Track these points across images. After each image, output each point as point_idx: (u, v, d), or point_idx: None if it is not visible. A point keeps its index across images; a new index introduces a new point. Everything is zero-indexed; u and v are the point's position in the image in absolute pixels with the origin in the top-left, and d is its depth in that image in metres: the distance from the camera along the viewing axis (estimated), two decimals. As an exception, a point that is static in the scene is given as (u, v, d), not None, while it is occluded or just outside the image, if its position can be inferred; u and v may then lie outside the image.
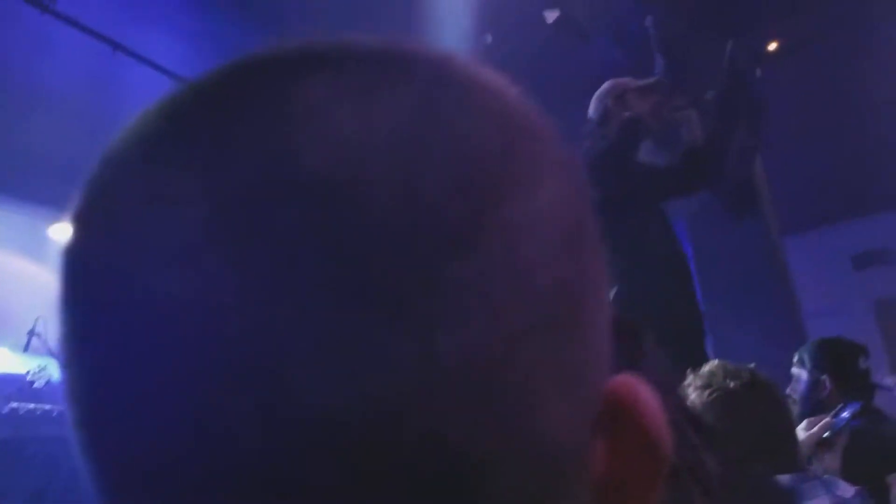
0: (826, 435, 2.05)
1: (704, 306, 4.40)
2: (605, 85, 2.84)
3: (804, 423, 2.09)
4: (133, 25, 4.13)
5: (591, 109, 2.84)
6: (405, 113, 0.22)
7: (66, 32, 3.99)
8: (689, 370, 1.57)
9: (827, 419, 2.03)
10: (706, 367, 1.54)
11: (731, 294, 4.20)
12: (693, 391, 1.48)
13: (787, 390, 2.39)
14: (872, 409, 2.26)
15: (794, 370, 2.39)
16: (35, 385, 3.89)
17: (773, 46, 4.55)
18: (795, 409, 2.33)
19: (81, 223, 0.22)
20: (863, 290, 6.27)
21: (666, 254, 2.58)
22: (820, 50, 4.53)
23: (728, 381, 1.46)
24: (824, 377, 2.26)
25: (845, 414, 2.10)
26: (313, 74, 0.23)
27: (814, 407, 2.22)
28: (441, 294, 0.19)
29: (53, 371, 3.93)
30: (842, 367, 2.26)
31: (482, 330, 0.19)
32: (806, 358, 2.34)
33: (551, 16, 3.76)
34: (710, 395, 1.45)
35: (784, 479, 1.42)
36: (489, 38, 4.16)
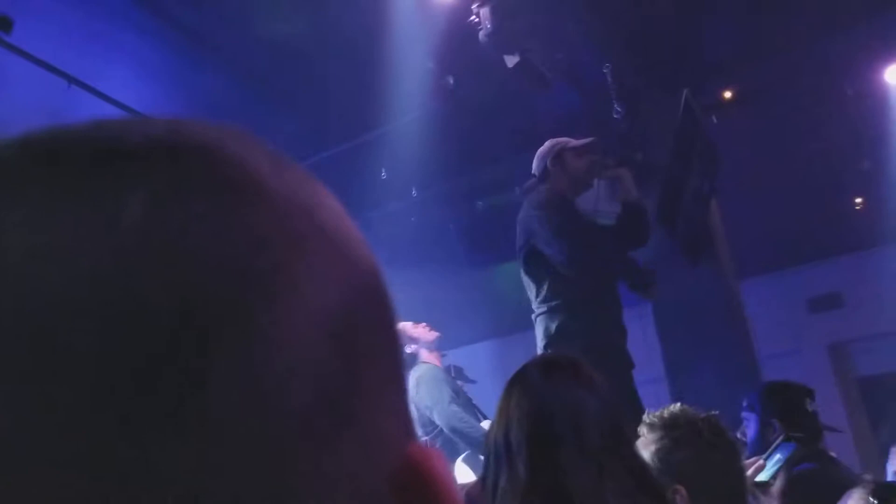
0: (763, 477, 2.05)
1: (662, 349, 4.42)
2: (546, 145, 3.00)
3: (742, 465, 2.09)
4: (89, 59, 4.07)
5: (534, 166, 3.01)
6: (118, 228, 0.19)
7: (21, 65, 3.92)
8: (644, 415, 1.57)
9: (760, 461, 2.03)
10: (668, 410, 1.53)
11: (689, 337, 4.22)
12: (656, 431, 1.47)
13: (738, 433, 2.40)
14: (819, 451, 2.28)
15: (743, 414, 2.41)
16: None
17: (728, 95, 4.69)
18: (744, 451, 2.34)
19: None
20: (818, 333, 6.39)
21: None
22: (775, 99, 4.68)
23: (697, 423, 1.46)
24: (773, 420, 2.28)
25: (779, 455, 2.10)
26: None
27: (763, 450, 2.23)
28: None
29: None
30: (789, 410, 2.28)
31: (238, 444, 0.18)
32: (755, 402, 2.37)
33: (511, 60, 3.81)
34: (680, 435, 1.45)
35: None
36: (451, 81, 4.20)
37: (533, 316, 2.78)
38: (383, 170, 4.75)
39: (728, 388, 3.61)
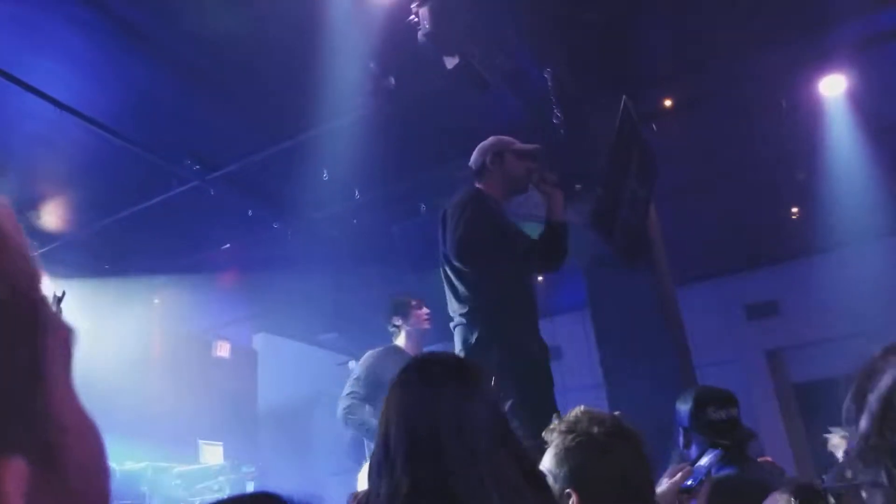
0: (688, 483, 2.05)
1: (600, 354, 4.44)
2: (489, 140, 2.93)
3: (668, 471, 2.08)
4: (16, 50, 3.91)
5: (472, 159, 2.92)
6: None
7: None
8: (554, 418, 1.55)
9: (687, 467, 2.02)
10: (571, 413, 1.51)
11: (625, 342, 4.25)
12: (556, 436, 1.45)
13: (677, 452, 2.40)
14: (742, 456, 2.28)
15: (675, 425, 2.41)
16: None
17: (668, 103, 4.75)
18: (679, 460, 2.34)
19: None
20: (755, 340, 6.52)
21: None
22: (713, 108, 4.76)
23: (592, 427, 1.44)
24: (680, 428, 2.28)
25: (704, 461, 2.10)
26: None
27: (682, 458, 2.23)
28: None
29: None
30: (693, 421, 2.27)
31: None
32: (676, 414, 2.37)
33: (451, 62, 3.79)
34: (573, 440, 1.42)
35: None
36: (392, 81, 4.16)
37: (452, 325, 2.70)
38: (325, 171, 4.67)
39: (663, 394, 3.62)
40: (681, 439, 2.34)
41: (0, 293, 0.28)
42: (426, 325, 3.64)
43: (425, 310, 3.63)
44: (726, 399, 2.26)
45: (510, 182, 2.85)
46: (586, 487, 1.35)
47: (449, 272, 2.72)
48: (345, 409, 3.30)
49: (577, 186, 2.98)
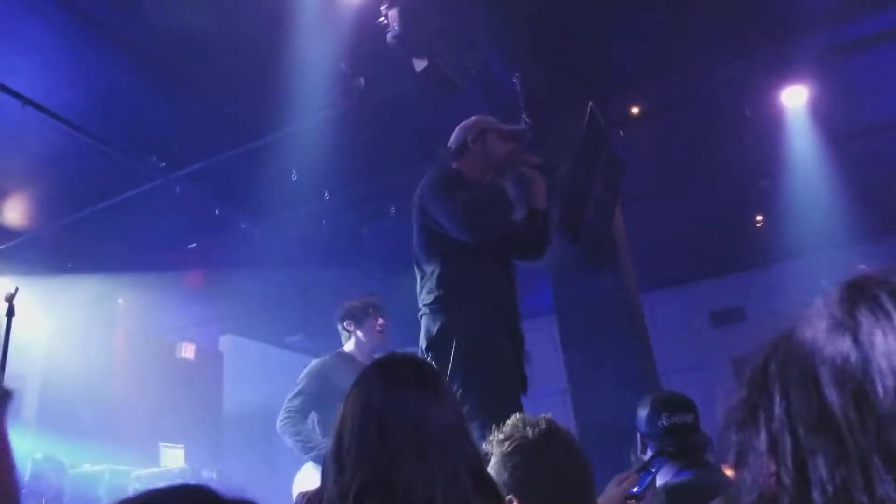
0: (634, 490, 2.06)
1: (565, 359, 4.45)
2: (471, 119, 2.81)
3: (614, 479, 2.09)
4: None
5: (452, 138, 2.81)
6: None
7: None
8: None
9: (633, 473, 2.03)
10: (509, 421, 1.52)
11: (591, 347, 4.27)
12: (496, 446, 1.46)
13: (636, 456, 2.41)
14: (700, 462, 2.28)
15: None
16: None
17: (635, 110, 4.81)
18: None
19: None
20: (720, 347, 6.59)
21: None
22: (679, 116, 4.84)
23: (527, 430, 1.45)
24: (637, 434, 2.29)
25: (652, 469, 2.11)
26: None
27: (638, 462, 2.23)
28: None
29: None
30: (646, 427, 2.28)
31: None
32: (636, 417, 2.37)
33: (420, 64, 3.79)
34: (509, 445, 1.44)
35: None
36: (362, 82, 4.15)
37: (419, 314, 2.57)
38: (294, 171, 4.64)
39: (627, 399, 3.64)
40: (638, 444, 2.35)
41: None
42: (378, 338, 3.38)
43: (381, 321, 3.39)
44: (681, 404, 2.24)
45: (490, 163, 2.71)
46: (526, 490, 1.37)
47: (418, 261, 2.62)
48: (282, 423, 3.13)
49: (562, 170, 2.90)
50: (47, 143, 4.46)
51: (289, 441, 3.15)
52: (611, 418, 3.78)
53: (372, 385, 1.17)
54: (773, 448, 0.42)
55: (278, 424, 3.14)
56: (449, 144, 2.82)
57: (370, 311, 3.36)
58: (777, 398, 0.44)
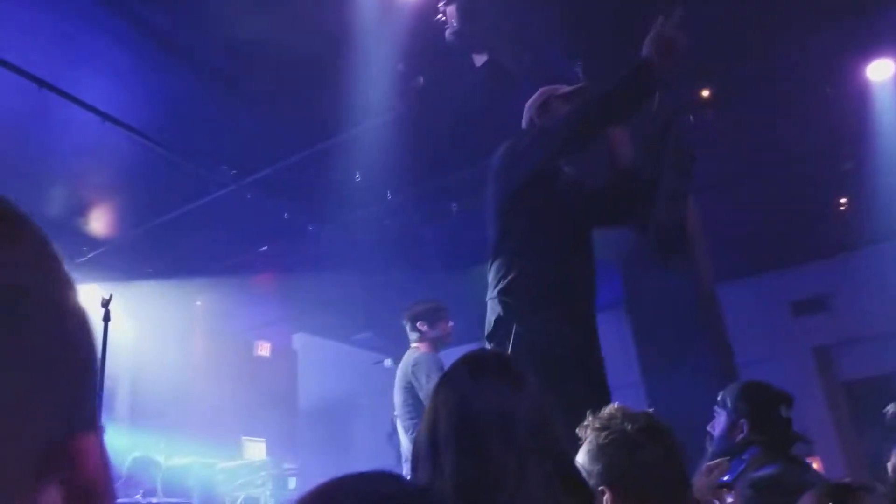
0: (725, 478, 2.02)
1: (637, 353, 4.36)
2: (533, 96, 2.74)
3: (703, 468, 2.05)
4: (59, 62, 4.06)
5: (523, 120, 2.75)
6: None
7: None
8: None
9: (724, 462, 1.99)
10: (606, 410, 1.51)
11: (663, 340, 4.16)
12: (591, 433, 1.46)
13: (708, 427, 2.35)
14: (785, 455, 2.22)
15: (716, 408, 2.36)
16: None
17: (705, 94, 4.61)
18: (710, 446, 2.29)
19: None
20: (802, 337, 6.29)
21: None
22: (754, 97, 4.61)
23: (625, 424, 1.44)
24: (742, 420, 2.23)
25: (744, 457, 2.07)
26: None
27: (728, 448, 2.18)
28: None
29: None
30: (760, 413, 2.23)
31: None
32: (728, 399, 2.32)
33: (479, 60, 3.77)
34: (606, 437, 1.43)
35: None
36: (421, 81, 4.15)
37: (487, 298, 2.43)
38: (357, 173, 4.71)
39: (704, 393, 3.54)
40: (721, 427, 2.27)
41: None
42: (448, 340, 3.55)
43: (451, 323, 3.57)
44: (792, 400, 2.23)
45: None
46: (620, 484, 1.36)
47: (491, 246, 2.47)
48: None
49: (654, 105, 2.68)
50: (126, 156, 4.70)
51: None
52: (685, 412, 3.66)
53: (462, 382, 1.19)
54: None
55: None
56: (523, 125, 2.74)
57: (442, 313, 3.47)
58: None
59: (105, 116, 4.29)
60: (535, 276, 2.34)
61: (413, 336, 3.56)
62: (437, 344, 3.53)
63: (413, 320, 3.56)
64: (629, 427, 1.42)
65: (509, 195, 2.43)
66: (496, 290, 2.38)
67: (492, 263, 2.45)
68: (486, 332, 2.40)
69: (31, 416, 0.28)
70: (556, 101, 2.63)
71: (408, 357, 3.49)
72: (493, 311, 2.37)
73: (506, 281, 2.36)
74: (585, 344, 2.43)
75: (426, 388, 3.27)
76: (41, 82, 4.04)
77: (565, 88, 2.72)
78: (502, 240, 2.43)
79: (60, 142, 4.52)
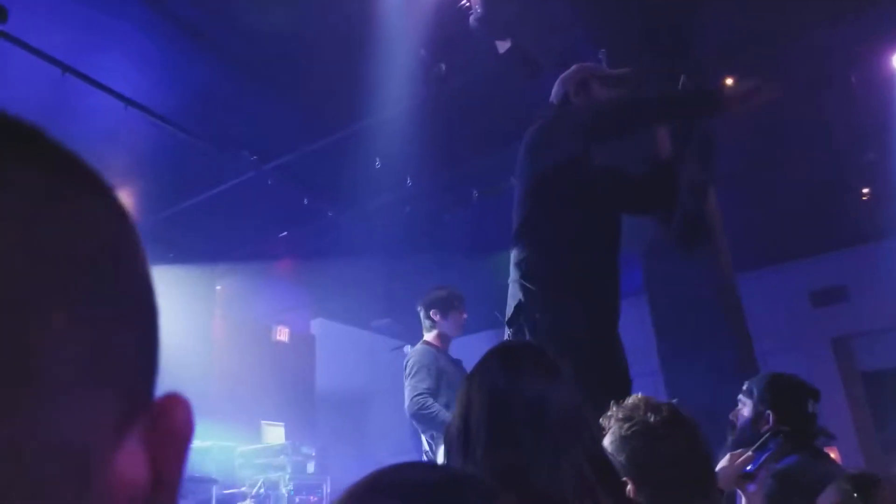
0: (749, 469, 2.04)
1: (657, 342, 4.36)
2: (571, 68, 2.62)
3: (727, 456, 2.06)
4: (83, 48, 4.08)
5: (553, 93, 2.63)
6: None
7: (15, 53, 3.95)
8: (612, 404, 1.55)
9: (749, 452, 2.00)
10: (629, 401, 1.52)
11: (683, 330, 4.16)
12: (614, 423, 1.47)
13: (730, 416, 2.36)
14: (813, 449, 2.23)
15: (741, 397, 2.36)
16: None
17: (729, 82, 4.58)
18: (731, 435, 2.30)
19: None
20: (820, 328, 6.27)
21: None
22: (782, 86, 4.56)
23: (649, 415, 1.45)
24: (768, 412, 2.23)
25: (769, 448, 2.09)
26: None
27: (752, 437, 2.19)
28: None
29: None
30: (788, 405, 2.23)
31: None
32: (754, 389, 2.32)
33: (503, 46, 3.76)
34: (629, 428, 1.44)
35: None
36: (443, 67, 4.15)
37: (509, 281, 2.39)
38: (377, 159, 4.72)
39: (724, 384, 3.55)
40: (747, 416, 2.28)
41: None
42: (460, 331, 3.47)
43: (465, 314, 3.47)
44: (819, 395, 2.25)
45: None
46: (643, 476, 1.37)
47: (515, 228, 2.41)
48: (417, 406, 3.16)
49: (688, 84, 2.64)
50: (148, 142, 4.73)
51: (427, 423, 3.13)
52: (705, 401, 3.67)
53: (496, 371, 1.20)
54: None
55: (413, 409, 3.17)
56: (551, 99, 2.62)
57: (456, 303, 3.40)
58: None
59: (128, 102, 4.33)
60: (558, 262, 2.29)
61: (426, 324, 3.48)
62: (446, 336, 3.43)
63: (427, 307, 3.47)
64: (652, 418, 1.42)
65: (540, 177, 2.36)
66: (518, 275, 2.32)
67: (515, 246, 2.39)
68: (505, 317, 2.35)
69: (121, 365, 0.28)
70: (596, 83, 2.52)
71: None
72: (513, 296, 2.32)
73: (528, 265, 2.30)
74: (607, 332, 2.40)
75: (406, 382, 3.27)
76: (65, 67, 4.07)
77: (605, 69, 2.67)
78: (527, 222, 2.36)
79: (83, 127, 4.55)
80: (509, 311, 2.33)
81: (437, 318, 3.42)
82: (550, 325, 2.22)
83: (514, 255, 2.39)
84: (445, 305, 3.42)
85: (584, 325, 2.24)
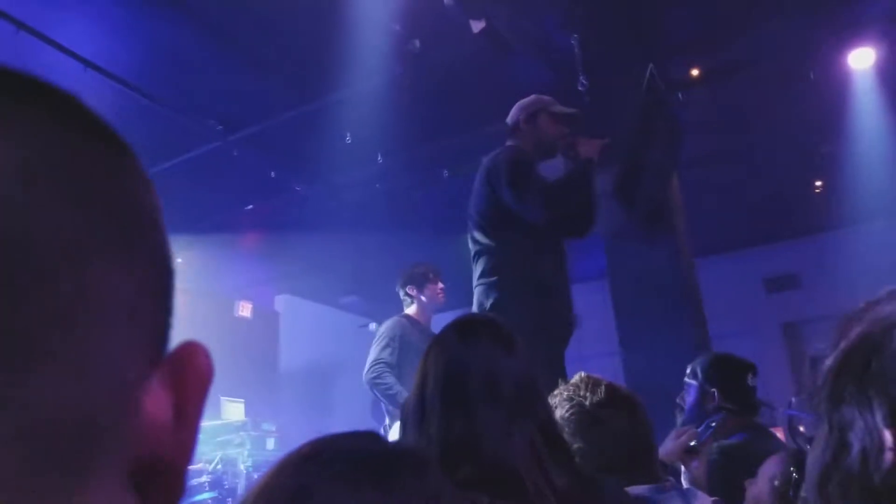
0: (692, 444, 2.11)
1: (617, 323, 4.47)
2: (529, 98, 2.91)
3: (672, 433, 2.14)
4: (40, 4, 3.91)
5: (510, 115, 2.94)
6: None
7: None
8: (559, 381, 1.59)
9: (692, 430, 2.08)
10: (573, 379, 1.56)
11: (643, 311, 4.27)
12: (559, 403, 1.50)
13: (678, 399, 2.46)
14: (752, 423, 2.33)
15: (686, 380, 2.46)
16: None
17: (695, 73, 4.69)
18: (680, 417, 2.40)
19: None
20: (773, 313, 6.51)
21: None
22: (740, 79, 4.70)
23: (588, 394, 1.48)
24: (713, 390, 2.33)
25: (712, 424, 2.17)
26: None
27: (700, 417, 2.29)
28: None
29: None
30: (729, 380, 2.33)
31: None
32: (698, 370, 2.41)
33: (477, 26, 3.77)
34: (569, 409, 1.48)
35: (639, 489, 1.42)
36: (417, 44, 4.13)
37: (474, 286, 2.70)
38: (348, 134, 4.68)
39: (680, 364, 3.66)
40: (693, 397, 2.38)
41: None
42: (440, 300, 3.61)
43: (440, 285, 3.61)
44: (757, 369, 2.35)
45: (540, 144, 2.84)
46: (585, 455, 1.40)
47: (477, 229, 2.72)
48: (373, 374, 3.30)
49: (606, 140, 2.91)
50: (109, 107, 4.45)
51: (380, 393, 3.30)
52: (661, 382, 3.79)
53: (453, 343, 1.21)
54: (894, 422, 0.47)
55: (368, 376, 3.28)
56: (507, 120, 2.93)
57: (431, 275, 3.51)
58: None
59: (88, 63, 4.16)
60: (520, 261, 2.60)
61: (405, 302, 3.61)
62: (427, 308, 3.57)
63: (403, 285, 3.61)
64: (592, 398, 1.46)
65: (499, 204, 2.66)
66: (483, 281, 2.62)
67: (478, 249, 2.70)
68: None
69: (151, 315, 0.30)
70: (545, 117, 2.84)
71: None
72: (486, 294, 2.59)
73: (495, 265, 2.60)
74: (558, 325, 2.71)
75: (371, 349, 3.42)
76: (19, 24, 3.88)
77: (558, 107, 2.90)
78: (489, 231, 2.68)
79: (36, 89, 4.38)
80: (480, 310, 2.59)
81: (413, 293, 3.55)
82: (525, 318, 2.44)
83: (480, 260, 2.69)
84: (420, 279, 3.55)
85: (545, 326, 2.57)
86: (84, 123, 0.30)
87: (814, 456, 0.55)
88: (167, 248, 0.33)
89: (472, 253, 2.75)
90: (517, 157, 2.72)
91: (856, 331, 0.53)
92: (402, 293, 3.61)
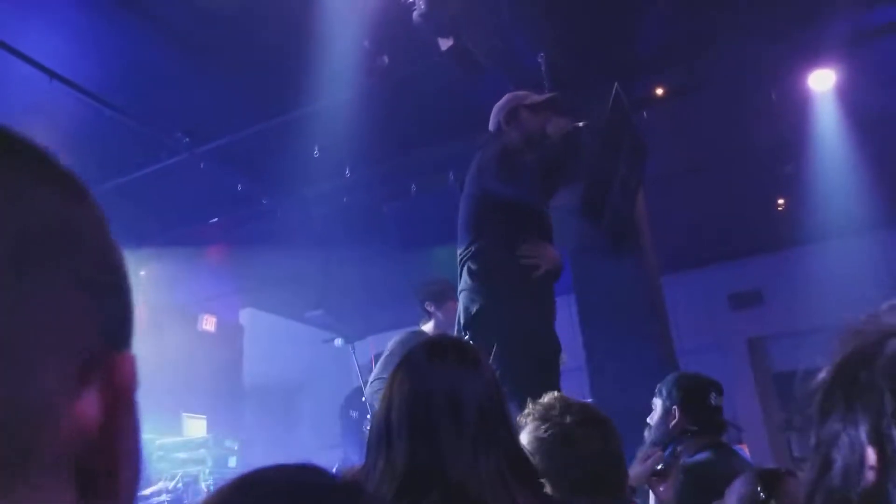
0: (659, 467, 2.11)
1: (584, 338, 4.49)
2: (503, 98, 2.85)
3: (639, 455, 2.14)
4: (8, 16, 3.84)
5: (490, 122, 2.87)
6: None
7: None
8: (530, 400, 1.57)
9: (658, 452, 2.08)
10: (545, 399, 1.54)
11: (609, 327, 4.29)
12: (530, 422, 1.48)
13: (647, 419, 2.46)
14: (717, 442, 2.35)
15: (654, 399, 2.47)
16: None
17: (660, 91, 4.77)
18: (649, 436, 2.40)
19: None
20: (738, 329, 6.61)
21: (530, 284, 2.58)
22: (704, 98, 4.79)
23: (564, 416, 1.47)
24: (675, 407, 2.34)
25: (678, 447, 2.17)
26: None
27: (664, 435, 2.30)
28: None
29: None
30: (692, 400, 2.34)
31: None
32: (663, 389, 2.43)
33: (445, 44, 3.78)
34: (545, 430, 1.46)
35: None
36: (386, 60, 4.14)
37: (458, 289, 2.65)
38: (316, 148, 4.66)
39: (646, 379, 3.68)
40: (658, 416, 2.39)
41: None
42: (453, 319, 3.59)
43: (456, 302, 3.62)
44: (721, 388, 2.38)
45: (529, 139, 2.71)
46: (554, 478, 1.38)
47: (462, 234, 2.66)
48: (374, 389, 3.21)
49: (583, 123, 2.85)
50: (74, 118, 4.48)
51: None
52: (628, 398, 3.80)
53: (417, 366, 1.20)
54: (878, 441, 0.46)
55: (369, 391, 3.20)
56: (489, 128, 2.86)
57: (448, 292, 3.45)
58: (887, 394, 0.46)
59: (53, 74, 4.10)
60: (505, 264, 2.51)
61: (423, 317, 3.57)
62: (442, 325, 3.49)
63: (422, 300, 3.56)
64: (567, 420, 1.45)
65: (482, 204, 2.60)
66: (468, 287, 2.55)
67: (463, 253, 2.62)
68: (464, 320, 2.53)
69: (80, 329, 0.33)
70: (525, 111, 2.75)
71: None
72: (472, 301, 2.52)
73: (480, 270, 2.53)
74: (545, 327, 2.63)
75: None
76: (-17, 35, 3.83)
77: (534, 97, 2.83)
78: (473, 234, 2.60)
79: (2, 100, 4.29)
80: (466, 317, 2.52)
81: (431, 309, 3.50)
82: (496, 322, 2.42)
83: (465, 265, 2.61)
84: (439, 296, 3.50)
85: (532, 329, 2.50)
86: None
87: (804, 472, 0.55)
88: (100, 261, 0.35)
89: (458, 260, 2.67)
90: (505, 148, 2.65)
91: (852, 344, 0.52)
92: (421, 309, 3.57)
